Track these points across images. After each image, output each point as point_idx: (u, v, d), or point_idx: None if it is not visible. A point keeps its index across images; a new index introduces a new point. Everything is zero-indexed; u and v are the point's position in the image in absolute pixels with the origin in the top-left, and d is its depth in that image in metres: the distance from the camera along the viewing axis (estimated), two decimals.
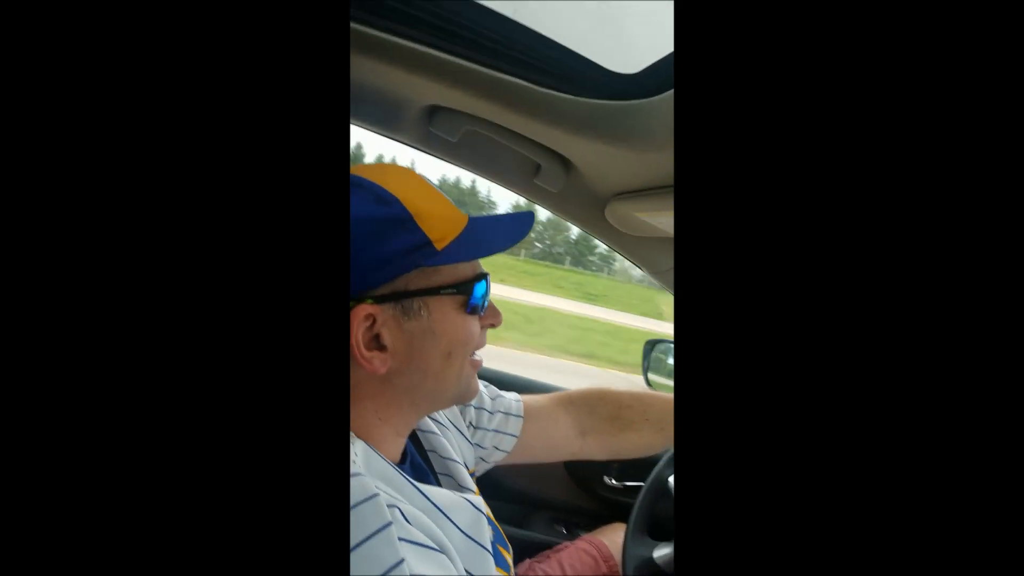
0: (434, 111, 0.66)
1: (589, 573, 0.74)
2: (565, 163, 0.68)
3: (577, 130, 0.56)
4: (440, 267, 0.45)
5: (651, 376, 0.97)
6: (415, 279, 0.44)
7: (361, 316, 0.42)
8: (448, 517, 0.42)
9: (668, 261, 0.87)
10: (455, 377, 0.48)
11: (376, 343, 0.44)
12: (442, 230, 0.45)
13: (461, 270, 0.47)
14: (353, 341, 0.42)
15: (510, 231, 0.49)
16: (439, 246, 0.44)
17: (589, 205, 0.76)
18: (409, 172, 0.48)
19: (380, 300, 0.43)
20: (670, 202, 0.60)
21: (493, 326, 0.52)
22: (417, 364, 0.45)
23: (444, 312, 0.46)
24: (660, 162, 0.55)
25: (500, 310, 0.52)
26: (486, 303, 0.49)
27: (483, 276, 0.48)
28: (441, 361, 0.46)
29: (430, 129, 0.67)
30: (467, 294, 0.46)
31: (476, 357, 0.50)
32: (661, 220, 0.67)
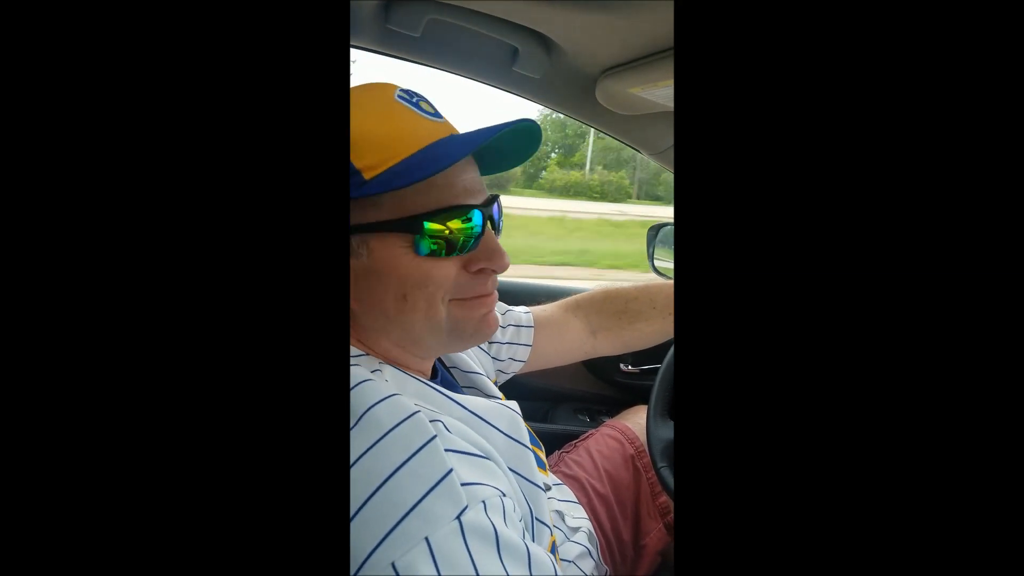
0: (390, 5, 0.59)
1: (616, 456, 0.77)
2: (546, 43, 0.62)
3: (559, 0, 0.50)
4: (379, 200, 0.39)
5: (658, 263, 0.96)
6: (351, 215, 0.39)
7: None
8: (488, 422, 0.43)
9: (667, 139, 0.82)
10: (425, 319, 0.42)
11: None
12: (378, 156, 0.39)
13: (410, 203, 0.39)
14: None
15: (463, 141, 0.41)
16: (368, 175, 0.38)
17: (576, 87, 0.71)
18: (355, 88, 0.42)
19: None
20: (665, 71, 0.55)
21: (491, 271, 0.43)
22: (373, 305, 0.42)
23: (390, 252, 0.40)
24: (653, 23, 0.50)
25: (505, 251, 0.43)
26: (471, 244, 0.41)
27: (445, 210, 0.40)
28: (396, 303, 0.41)
29: (387, 27, 0.61)
30: (415, 231, 0.39)
31: (477, 295, 0.44)
32: (657, 92, 0.61)
